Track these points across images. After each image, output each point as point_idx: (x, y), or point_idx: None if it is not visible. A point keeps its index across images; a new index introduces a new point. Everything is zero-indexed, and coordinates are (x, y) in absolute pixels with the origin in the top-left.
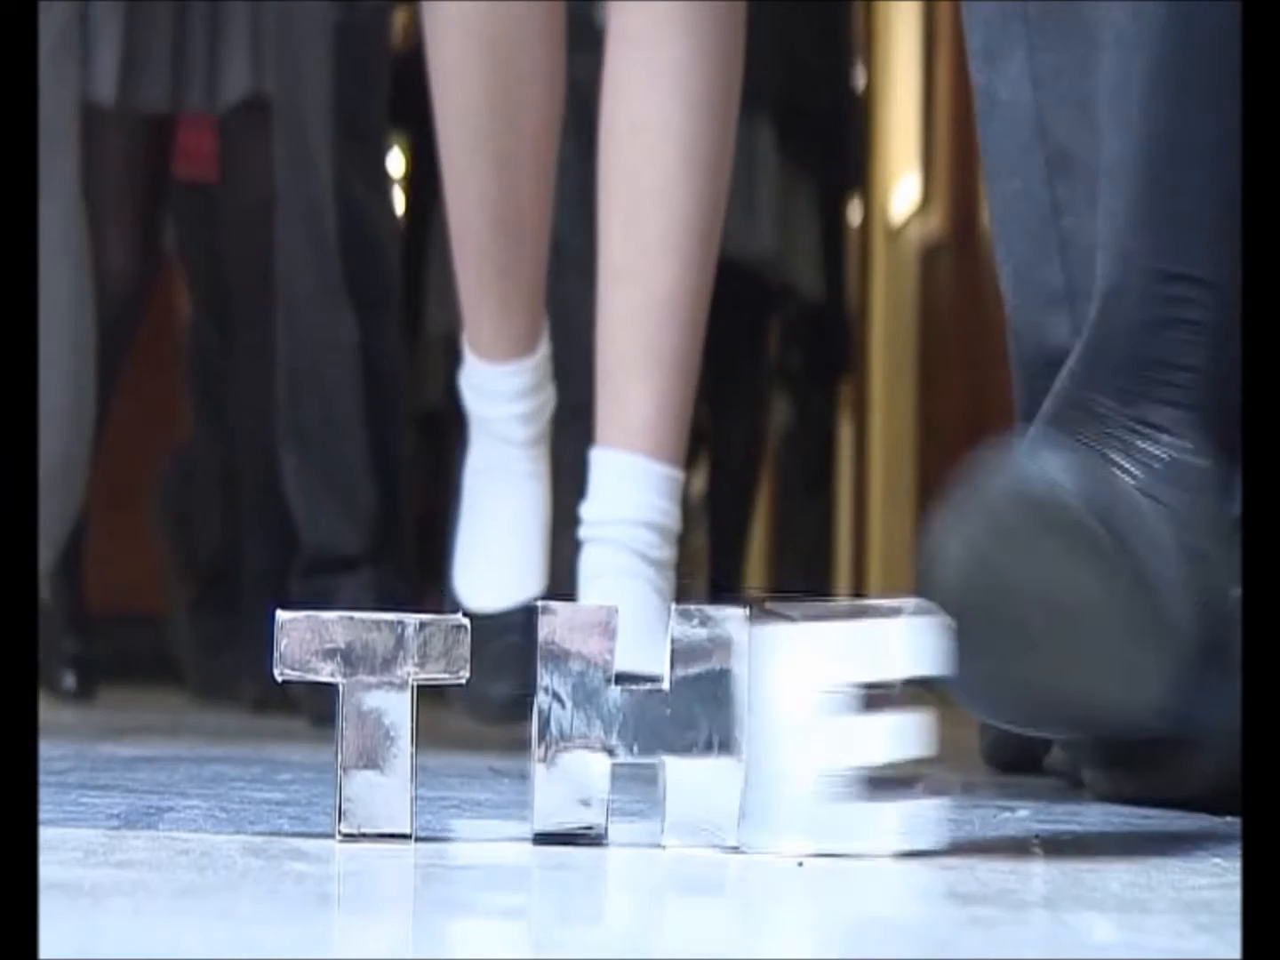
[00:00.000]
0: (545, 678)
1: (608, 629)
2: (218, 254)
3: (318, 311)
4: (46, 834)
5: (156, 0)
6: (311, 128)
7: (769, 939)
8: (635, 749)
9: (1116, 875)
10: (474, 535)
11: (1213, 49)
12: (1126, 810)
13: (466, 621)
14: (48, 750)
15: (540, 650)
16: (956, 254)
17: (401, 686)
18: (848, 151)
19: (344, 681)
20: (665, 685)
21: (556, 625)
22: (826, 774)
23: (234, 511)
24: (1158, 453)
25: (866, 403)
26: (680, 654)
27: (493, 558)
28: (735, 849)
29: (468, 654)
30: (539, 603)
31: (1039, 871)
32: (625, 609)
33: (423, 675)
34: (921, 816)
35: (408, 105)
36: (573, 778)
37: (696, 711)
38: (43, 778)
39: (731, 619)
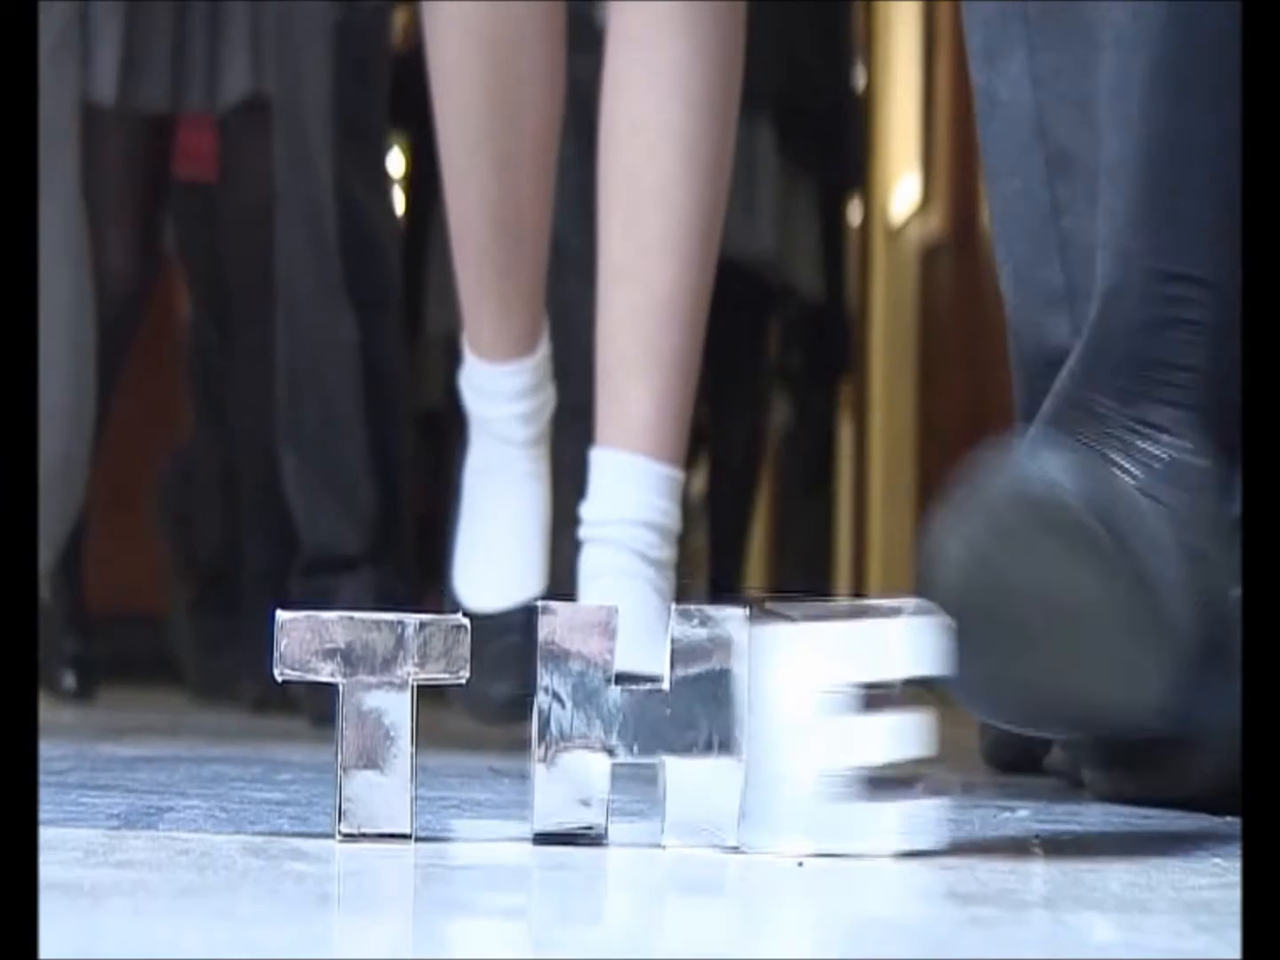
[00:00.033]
0: (545, 678)
1: (608, 629)
2: (218, 254)
3: (318, 311)
4: (46, 834)
5: (156, 0)
6: (311, 128)
7: (769, 939)
8: (635, 749)
9: (1116, 875)
10: (474, 535)
11: (1213, 49)
12: (1126, 810)
13: (466, 621)
14: (48, 750)
15: (540, 650)
16: (956, 254)
17: (401, 686)
18: (848, 151)
19: (344, 681)
20: (665, 685)
21: (556, 625)
22: (826, 774)
23: (234, 511)
24: (1158, 453)
25: (866, 403)
26: (680, 654)
27: (492, 558)
28: (735, 849)
29: (468, 654)
30: (539, 603)
31: (1039, 871)
32: (625, 609)
33: (423, 675)
34: (921, 816)
35: (408, 105)
36: (573, 778)
37: (696, 711)
38: (43, 778)
39: (731, 619)
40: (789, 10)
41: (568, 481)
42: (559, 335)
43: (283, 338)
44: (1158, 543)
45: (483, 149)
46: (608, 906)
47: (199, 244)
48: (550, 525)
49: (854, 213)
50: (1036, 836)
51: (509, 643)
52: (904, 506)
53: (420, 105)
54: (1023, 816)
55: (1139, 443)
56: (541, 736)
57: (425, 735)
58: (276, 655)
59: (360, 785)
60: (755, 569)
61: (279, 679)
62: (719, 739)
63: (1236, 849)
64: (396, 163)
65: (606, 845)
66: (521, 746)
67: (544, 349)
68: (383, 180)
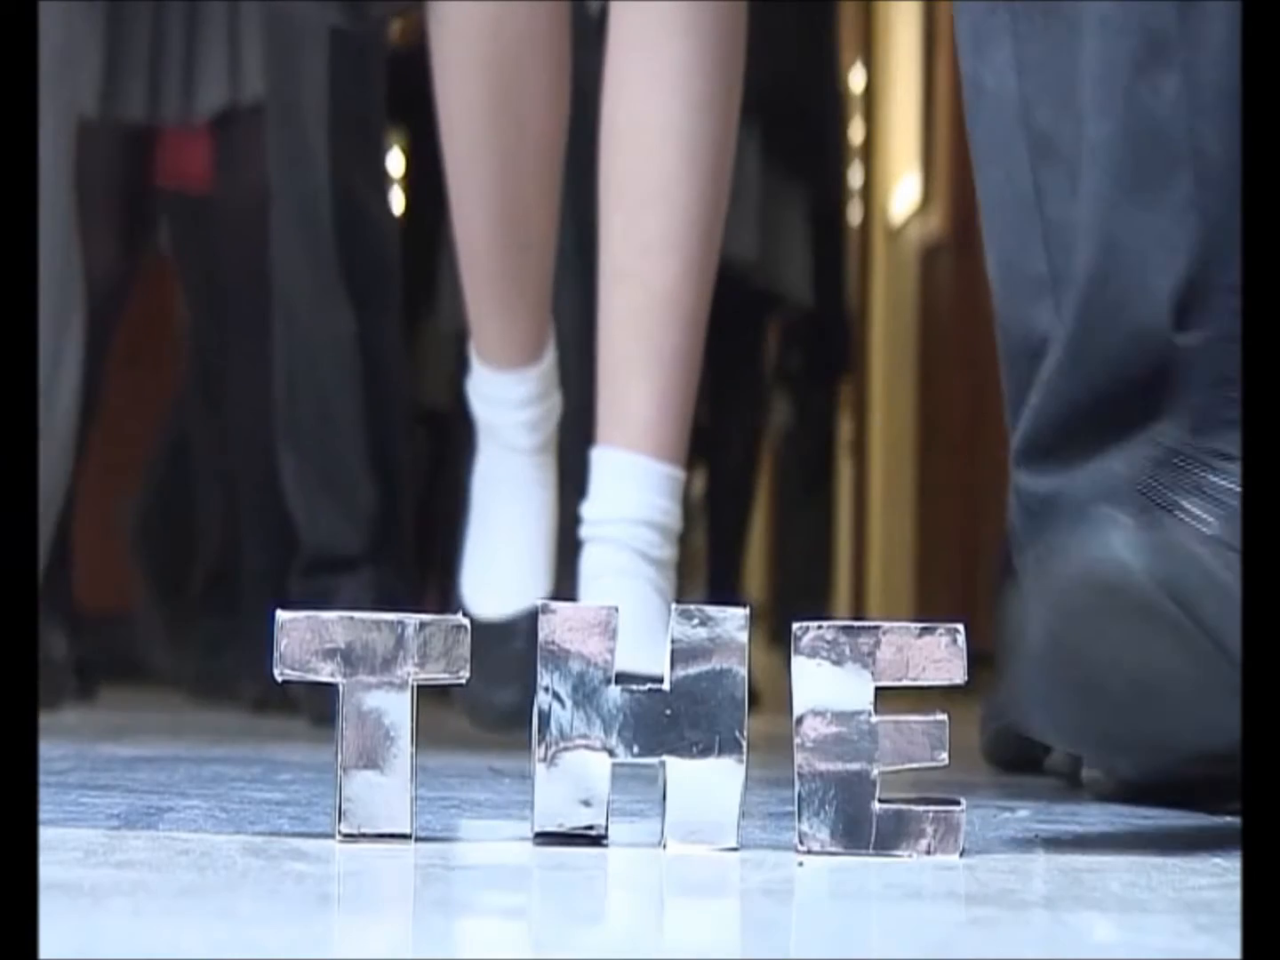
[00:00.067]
0: (545, 677)
1: (608, 629)
2: (215, 255)
3: (316, 311)
4: (46, 834)
5: (137, 11)
6: (310, 127)
7: (769, 939)
8: (635, 749)
9: (1116, 875)
10: (480, 542)
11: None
12: (1126, 810)
13: (466, 621)
14: (48, 750)
15: (540, 650)
16: (956, 254)
17: (401, 686)
18: (834, 153)
19: (344, 681)
20: (665, 685)
21: (556, 625)
22: (830, 775)
23: (234, 511)
24: (1229, 485)
25: (866, 403)
26: (680, 654)
27: (498, 564)
28: (735, 849)
29: (468, 654)
30: (539, 602)
31: (1039, 871)
32: (626, 609)
33: (423, 675)
34: (925, 818)
35: (407, 104)
36: (573, 778)
37: (696, 711)
38: (43, 778)
39: (732, 619)
40: (773, 10)
41: (568, 482)
42: (558, 336)
43: (281, 338)
44: (1232, 602)
45: (486, 150)
46: (608, 906)
47: (194, 246)
48: (556, 532)
49: (854, 213)
50: (1036, 836)
51: (513, 650)
52: (904, 506)
53: (420, 104)
54: (1023, 816)
55: (1212, 478)
56: (542, 736)
57: (425, 735)
58: (276, 655)
59: (360, 785)
60: (755, 569)
61: (279, 679)
62: (719, 739)
63: (1236, 849)
64: (396, 162)
65: (607, 845)
66: (522, 746)
67: (550, 356)
68: (381, 179)
